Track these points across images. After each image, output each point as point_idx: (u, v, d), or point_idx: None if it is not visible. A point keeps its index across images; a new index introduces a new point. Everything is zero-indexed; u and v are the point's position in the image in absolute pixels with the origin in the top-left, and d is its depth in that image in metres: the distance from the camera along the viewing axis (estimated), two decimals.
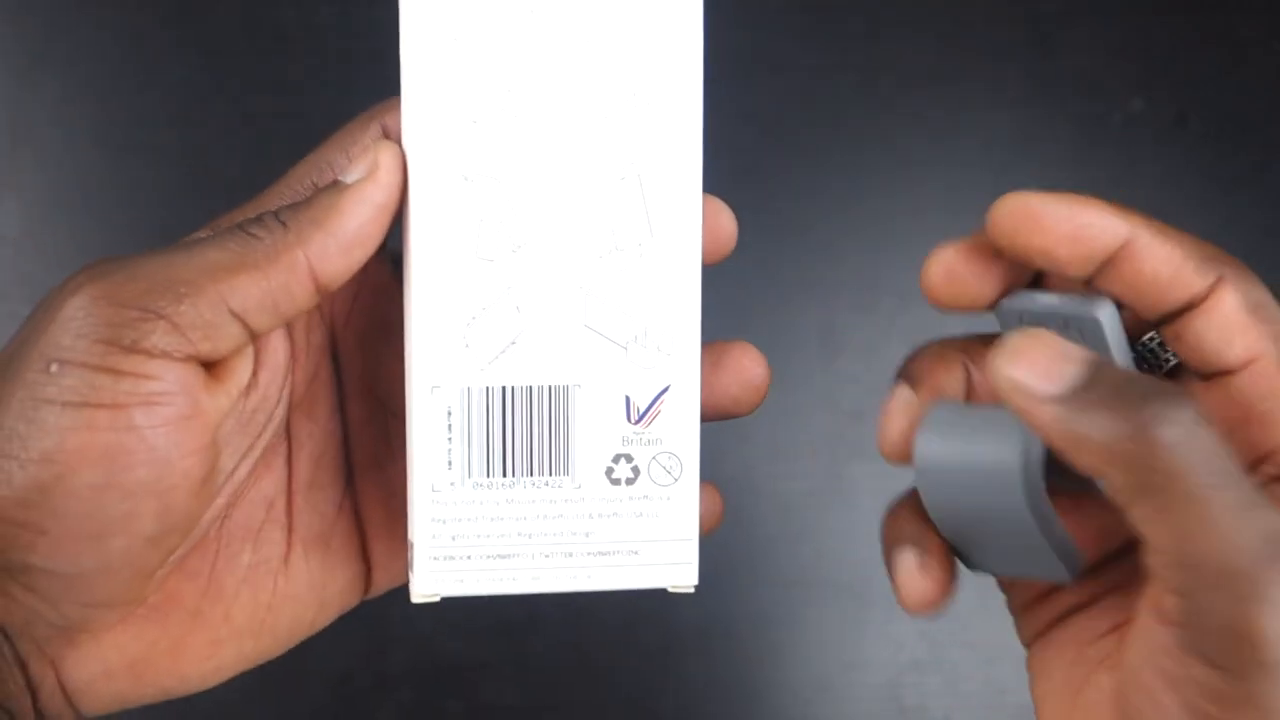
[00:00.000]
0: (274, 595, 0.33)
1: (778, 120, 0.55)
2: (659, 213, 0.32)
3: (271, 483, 0.34)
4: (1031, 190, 0.29)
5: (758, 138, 0.54)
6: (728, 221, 0.33)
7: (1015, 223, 0.29)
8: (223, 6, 0.53)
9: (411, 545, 0.33)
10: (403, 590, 0.37)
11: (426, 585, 0.32)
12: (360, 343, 0.35)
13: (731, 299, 0.52)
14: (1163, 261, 0.28)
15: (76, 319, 0.29)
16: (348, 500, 0.35)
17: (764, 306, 0.54)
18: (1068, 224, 0.28)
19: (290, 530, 0.34)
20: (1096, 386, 0.26)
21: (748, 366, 0.34)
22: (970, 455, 0.29)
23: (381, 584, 0.35)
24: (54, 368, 0.28)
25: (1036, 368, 0.27)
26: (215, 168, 0.53)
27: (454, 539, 0.32)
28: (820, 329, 0.55)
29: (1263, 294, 0.28)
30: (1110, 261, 0.28)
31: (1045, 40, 0.57)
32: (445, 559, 0.32)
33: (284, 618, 0.33)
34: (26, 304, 0.53)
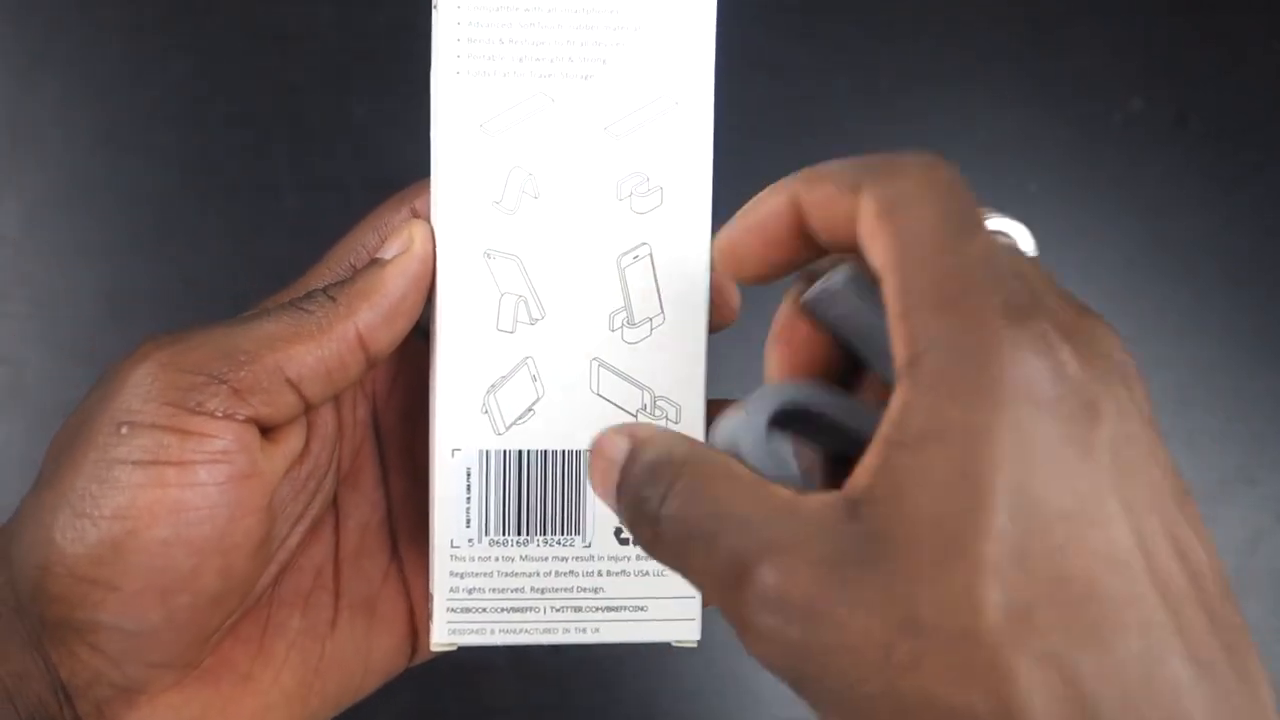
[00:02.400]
0: (322, 660, 0.35)
1: (777, 120, 0.55)
2: (670, 291, 0.34)
3: (320, 551, 0.36)
4: (728, 226, 0.28)
5: (757, 138, 0.54)
6: (733, 296, 0.35)
7: (731, 265, 0.28)
8: (223, 6, 0.53)
9: (431, 597, 0.34)
10: None
11: (444, 635, 0.34)
12: (400, 419, 0.37)
13: None
14: (820, 205, 0.26)
15: (144, 384, 0.30)
16: (393, 567, 0.36)
17: (764, 307, 0.54)
18: (753, 244, 0.27)
19: (338, 596, 0.35)
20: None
21: None
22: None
23: (426, 650, 0.36)
24: (124, 429, 0.30)
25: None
26: (215, 168, 0.53)
27: (471, 592, 0.34)
28: None
29: (902, 187, 0.25)
30: (807, 229, 0.27)
31: (1045, 40, 0.57)
32: (462, 611, 0.34)
33: (331, 682, 0.35)
34: (26, 304, 0.53)
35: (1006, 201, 0.56)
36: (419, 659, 0.37)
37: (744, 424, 0.26)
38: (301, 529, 0.35)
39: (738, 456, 0.26)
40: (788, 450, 0.27)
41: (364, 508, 0.36)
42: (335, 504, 0.36)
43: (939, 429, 0.22)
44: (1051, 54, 0.57)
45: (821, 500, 0.23)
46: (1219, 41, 0.57)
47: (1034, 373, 0.22)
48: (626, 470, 0.27)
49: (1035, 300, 0.23)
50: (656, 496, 0.25)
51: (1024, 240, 0.28)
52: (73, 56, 0.53)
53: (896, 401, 0.23)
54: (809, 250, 0.28)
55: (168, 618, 0.30)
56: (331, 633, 0.35)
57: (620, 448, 0.27)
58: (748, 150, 0.54)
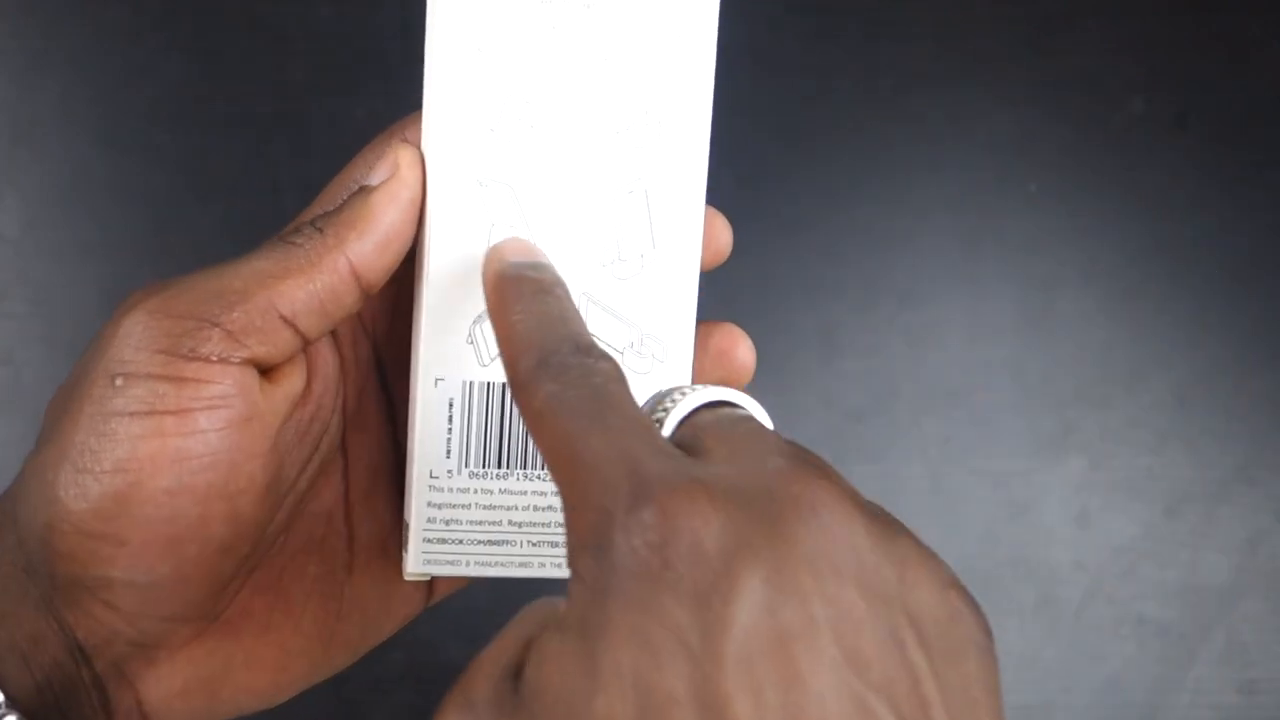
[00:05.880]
0: (342, 604, 0.34)
1: (777, 120, 0.55)
2: (662, 226, 0.34)
3: (330, 495, 0.35)
4: None
5: (757, 138, 0.54)
6: (725, 233, 0.35)
7: None
8: (223, 6, 0.53)
9: (407, 526, 0.34)
10: None
11: (419, 565, 0.34)
12: (403, 357, 0.36)
13: (731, 299, 0.52)
14: None
15: (135, 334, 0.30)
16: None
17: (763, 306, 0.54)
18: None
19: (352, 540, 0.35)
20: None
21: (729, 350, 0.35)
22: None
23: (442, 588, 0.36)
24: (119, 381, 0.29)
25: None
26: (215, 168, 0.53)
27: (448, 523, 0.34)
28: (820, 329, 0.55)
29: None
30: None
31: (1045, 40, 0.57)
32: (438, 541, 0.34)
33: (353, 626, 0.34)
34: (26, 304, 0.53)
35: (1007, 201, 0.56)
36: (436, 597, 0.36)
37: None
38: (310, 472, 0.34)
39: None
40: None
41: (372, 449, 0.35)
42: (343, 446, 0.35)
43: (580, 625, 0.22)
44: (1051, 54, 0.57)
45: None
46: (1219, 41, 0.57)
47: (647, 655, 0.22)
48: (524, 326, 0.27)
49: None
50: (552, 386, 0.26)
51: (759, 414, 0.29)
52: (73, 56, 0.53)
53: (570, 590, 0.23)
54: None
55: (177, 568, 0.30)
56: (349, 577, 0.34)
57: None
58: (748, 149, 0.54)
